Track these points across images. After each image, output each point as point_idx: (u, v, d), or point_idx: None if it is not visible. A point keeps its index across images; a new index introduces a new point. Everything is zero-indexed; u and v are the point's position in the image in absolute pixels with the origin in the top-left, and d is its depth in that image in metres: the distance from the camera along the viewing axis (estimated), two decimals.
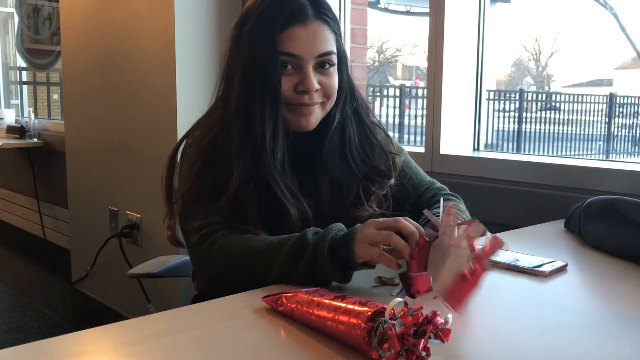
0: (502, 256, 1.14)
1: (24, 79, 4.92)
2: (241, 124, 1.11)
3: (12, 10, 4.72)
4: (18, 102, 4.84)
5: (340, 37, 1.18)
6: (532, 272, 1.06)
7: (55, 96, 4.85)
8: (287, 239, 1.01)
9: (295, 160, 1.17)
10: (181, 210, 1.15)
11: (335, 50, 1.15)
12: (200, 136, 1.18)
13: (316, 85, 1.12)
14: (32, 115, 4.00)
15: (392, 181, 1.23)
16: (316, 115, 1.15)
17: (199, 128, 1.21)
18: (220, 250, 1.05)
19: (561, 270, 1.09)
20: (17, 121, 4.20)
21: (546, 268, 1.07)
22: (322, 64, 1.13)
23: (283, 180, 1.11)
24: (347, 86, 1.20)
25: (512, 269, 1.09)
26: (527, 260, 1.12)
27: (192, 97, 2.30)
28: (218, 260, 1.05)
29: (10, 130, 4.06)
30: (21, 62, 4.69)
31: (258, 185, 1.10)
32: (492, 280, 1.05)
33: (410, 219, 0.95)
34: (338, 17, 1.23)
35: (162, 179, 1.22)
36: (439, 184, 1.34)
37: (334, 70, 1.15)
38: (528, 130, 7.66)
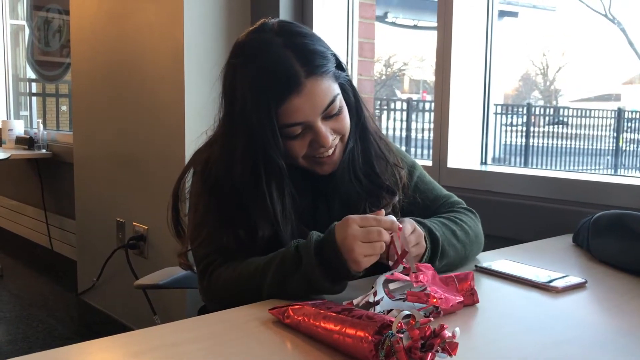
0: (512, 269, 1.13)
1: (34, 90, 4.97)
2: (248, 194, 1.09)
3: (23, 22, 4.77)
4: (27, 113, 4.88)
5: (338, 61, 1.11)
6: (544, 287, 1.05)
7: (64, 108, 4.89)
8: (271, 261, 0.99)
9: (310, 191, 1.16)
10: (189, 232, 1.17)
11: (338, 91, 1.09)
12: (212, 168, 1.14)
13: (331, 138, 1.09)
14: (41, 126, 4.02)
15: (397, 198, 1.19)
16: (337, 156, 1.13)
17: (204, 153, 1.19)
18: (217, 280, 1.05)
19: (578, 287, 1.07)
20: (26, 132, 4.23)
21: (558, 284, 1.06)
22: (329, 113, 1.08)
23: (293, 235, 1.10)
24: (354, 108, 1.16)
25: (524, 282, 1.08)
26: (534, 274, 1.11)
27: (200, 110, 2.30)
28: (218, 291, 1.06)
29: (19, 141, 4.09)
30: (31, 74, 4.73)
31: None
32: (502, 294, 1.05)
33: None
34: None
35: (168, 211, 1.21)
36: (455, 198, 1.31)
37: (342, 110, 1.10)
38: (536, 144, 7.64)
